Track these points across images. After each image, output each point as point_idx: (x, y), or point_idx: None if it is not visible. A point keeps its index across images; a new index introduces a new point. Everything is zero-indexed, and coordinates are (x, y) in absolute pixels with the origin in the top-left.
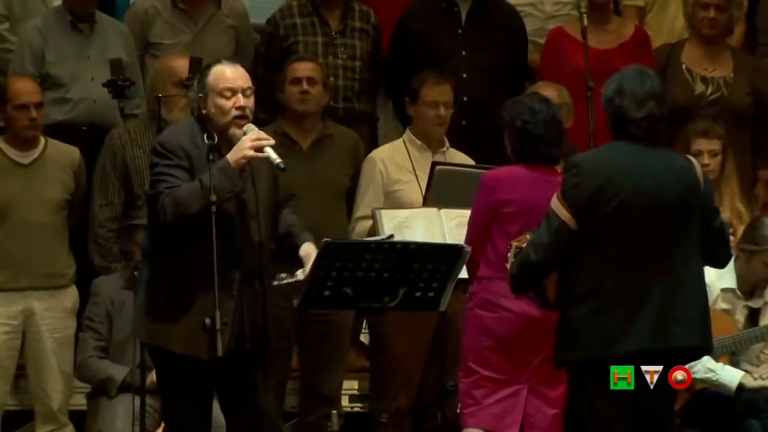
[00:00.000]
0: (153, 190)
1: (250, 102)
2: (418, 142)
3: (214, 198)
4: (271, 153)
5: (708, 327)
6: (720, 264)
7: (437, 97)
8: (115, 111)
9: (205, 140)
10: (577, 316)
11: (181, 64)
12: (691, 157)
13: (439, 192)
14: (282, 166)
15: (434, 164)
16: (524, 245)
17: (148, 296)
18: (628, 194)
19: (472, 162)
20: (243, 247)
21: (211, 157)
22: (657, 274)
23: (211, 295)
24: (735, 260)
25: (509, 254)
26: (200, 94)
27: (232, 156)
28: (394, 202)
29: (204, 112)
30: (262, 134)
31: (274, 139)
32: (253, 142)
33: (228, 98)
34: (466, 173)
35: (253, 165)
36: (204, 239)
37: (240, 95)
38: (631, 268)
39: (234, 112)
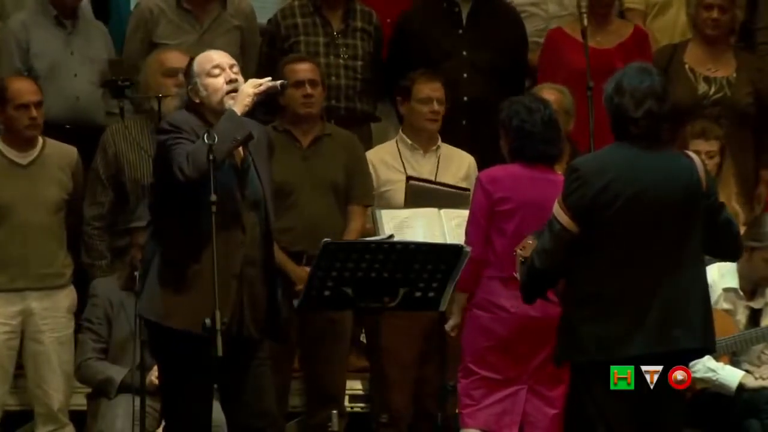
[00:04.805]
0: (165, 160)
1: (240, 78)
2: (409, 141)
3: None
4: (271, 83)
5: (710, 327)
6: (732, 257)
7: (430, 92)
8: (100, 109)
9: (206, 140)
10: (579, 319)
11: (171, 56)
12: (692, 154)
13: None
14: (285, 83)
15: (408, 179)
16: (527, 251)
17: (154, 276)
18: (629, 197)
19: (467, 156)
20: (247, 236)
21: (211, 156)
22: (659, 276)
23: (212, 274)
24: None
25: (516, 263)
26: (189, 86)
27: (237, 104)
28: (385, 203)
29: (197, 100)
30: (257, 80)
31: (276, 136)
32: (253, 85)
33: (217, 76)
34: (439, 191)
35: (254, 154)
36: (206, 225)
37: (228, 70)
38: (633, 271)
39: (226, 87)
